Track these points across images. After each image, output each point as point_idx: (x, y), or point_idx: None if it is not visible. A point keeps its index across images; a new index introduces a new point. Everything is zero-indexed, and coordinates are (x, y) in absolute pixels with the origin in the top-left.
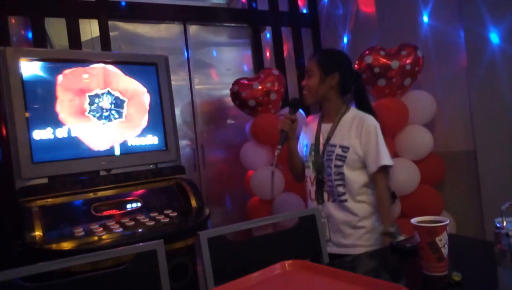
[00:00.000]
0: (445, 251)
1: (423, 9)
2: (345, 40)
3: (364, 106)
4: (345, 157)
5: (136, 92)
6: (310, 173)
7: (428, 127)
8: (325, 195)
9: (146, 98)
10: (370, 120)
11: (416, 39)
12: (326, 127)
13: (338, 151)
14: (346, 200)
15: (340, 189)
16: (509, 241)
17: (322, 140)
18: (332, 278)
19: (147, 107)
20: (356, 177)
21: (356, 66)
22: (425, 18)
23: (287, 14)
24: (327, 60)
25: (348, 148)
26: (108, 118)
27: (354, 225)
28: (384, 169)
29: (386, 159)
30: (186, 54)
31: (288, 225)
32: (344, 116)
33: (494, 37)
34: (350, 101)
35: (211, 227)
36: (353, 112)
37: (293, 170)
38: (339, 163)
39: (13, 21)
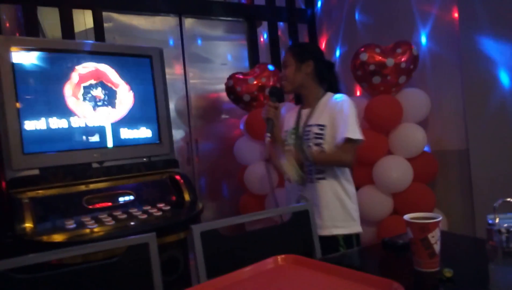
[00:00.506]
0: (437, 247)
1: (419, 7)
2: (341, 37)
3: (336, 90)
4: (323, 134)
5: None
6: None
7: (422, 125)
8: (305, 177)
9: (137, 90)
10: (343, 96)
11: (412, 38)
12: (305, 112)
13: (315, 129)
14: (324, 178)
15: (319, 167)
16: (501, 238)
17: (301, 124)
18: (324, 273)
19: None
20: None
21: (351, 63)
22: (421, 17)
23: (284, 10)
24: (300, 50)
25: (324, 125)
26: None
27: (331, 204)
28: (350, 141)
29: (352, 133)
30: (181, 47)
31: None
32: (321, 99)
33: (489, 36)
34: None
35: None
36: (328, 95)
37: None
38: (318, 141)
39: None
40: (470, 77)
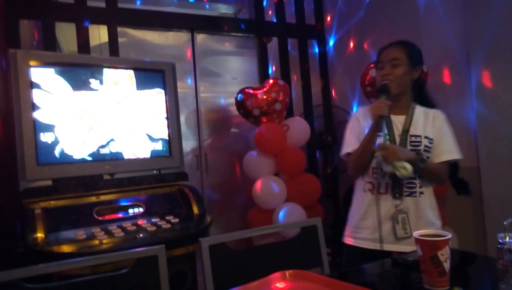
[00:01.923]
0: (447, 265)
1: (428, 23)
2: (351, 52)
3: (427, 102)
4: (431, 148)
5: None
6: (381, 164)
7: None
8: (402, 189)
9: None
10: (443, 113)
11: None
12: (398, 118)
13: (425, 142)
14: (423, 193)
15: (417, 181)
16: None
17: (396, 131)
18: (332, 289)
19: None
20: None
21: (361, 78)
22: (432, 33)
23: (294, 26)
24: (414, 52)
25: (432, 139)
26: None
27: (429, 220)
28: (447, 163)
29: (457, 153)
30: (193, 62)
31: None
32: (415, 109)
33: (500, 52)
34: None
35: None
36: (421, 107)
37: (362, 159)
38: (427, 154)
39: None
40: (482, 94)
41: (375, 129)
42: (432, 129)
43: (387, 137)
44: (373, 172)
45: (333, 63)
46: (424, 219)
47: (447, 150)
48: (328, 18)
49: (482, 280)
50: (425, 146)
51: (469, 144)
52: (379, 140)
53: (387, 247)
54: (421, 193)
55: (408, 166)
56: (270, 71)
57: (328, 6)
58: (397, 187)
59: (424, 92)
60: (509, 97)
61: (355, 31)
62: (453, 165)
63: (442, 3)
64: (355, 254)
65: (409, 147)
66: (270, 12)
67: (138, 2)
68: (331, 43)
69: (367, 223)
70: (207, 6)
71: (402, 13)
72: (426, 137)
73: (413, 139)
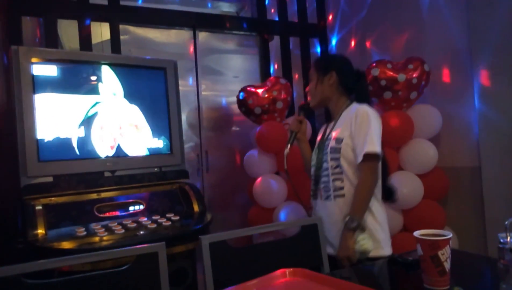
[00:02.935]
0: (447, 265)
1: (431, 23)
2: (353, 51)
3: (364, 99)
4: (339, 148)
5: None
6: (312, 171)
7: (433, 142)
8: (320, 192)
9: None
10: (363, 106)
11: (424, 53)
12: (330, 126)
13: (332, 143)
14: (343, 195)
15: (338, 183)
16: None
17: (324, 138)
18: (332, 288)
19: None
20: (355, 172)
21: None
22: (433, 33)
23: (296, 24)
24: (322, 62)
25: (341, 139)
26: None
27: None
28: (369, 158)
29: (371, 146)
30: (194, 60)
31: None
32: (344, 111)
33: (501, 51)
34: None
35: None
36: (353, 106)
37: (306, 171)
38: (335, 155)
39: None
40: (483, 94)
41: (288, 141)
42: (344, 128)
43: (319, 145)
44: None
45: None
46: (339, 223)
47: (360, 147)
48: (330, 17)
49: (482, 280)
50: (331, 147)
51: (471, 144)
52: (286, 151)
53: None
54: (336, 196)
55: (362, 242)
56: (271, 70)
57: (330, 4)
58: (314, 190)
59: (363, 95)
60: (510, 96)
61: (357, 30)
62: (384, 171)
63: (445, 3)
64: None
65: (323, 152)
66: (272, 11)
67: (140, 1)
68: (333, 42)
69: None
70: (209, 4)
71: (404, 12)
72: (334, 139)
73: (326, 143)
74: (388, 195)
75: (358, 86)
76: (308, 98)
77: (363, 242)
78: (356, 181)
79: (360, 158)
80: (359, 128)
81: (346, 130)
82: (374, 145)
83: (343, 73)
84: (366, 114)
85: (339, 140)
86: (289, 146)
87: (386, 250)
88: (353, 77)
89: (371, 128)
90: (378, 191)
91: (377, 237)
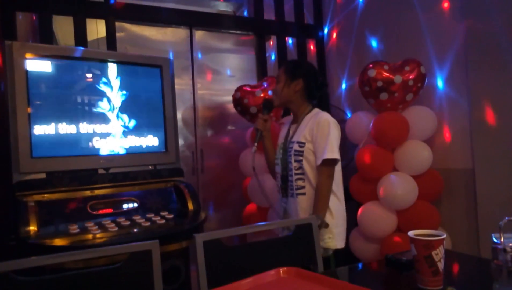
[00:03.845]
0: (441, 265)
1: (427, 25)
2: (350, 52)
3: (324, 107)
4: (302, 151)
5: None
6: (278, 169)
7: (428, 143)
8: (288, 190)
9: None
10: (325, 115)
11: (419, 55)
12: (293, 127)
13: (296, 146)
14: (304, 194)
15: (300, 183)
16: (506, 257)
17: (288, 139)
18: (326, 287)
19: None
20: (315, 173)
21: (359, 78)
22: (429, 35)
23: (293, 25)
24: (292, 68)
25: (303, 143)
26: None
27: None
28: (328, 163)
29: (330, 153)
30: (190, 58)
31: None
32: (307, 115)
33: (497, 55)
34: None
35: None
36: (315, 111)
37: (269, 168)
38: (298, 158)
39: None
40: (477, 96)
41: (255, 140)
42: (307, 133)
43: (281, 146)
44: (276, 176)
45: (331, 62)
46: (304, 217)
47: (320, 152)
48: (328, 18)
49: (475, 280)
50: (295, 150)
51: (465, 146)
52: (253, 149)
53: None
54: (300, 194)
55: (328, 240)
56: (267, 69)
57: (328, 6)
58: (283, 188)
59: (324, 103)
60: (504, 99)
61: (355, 31)
62: None
63: (442, 7)
64: None
65: (287, 154)
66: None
67: None
68: (329, 42)
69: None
70: (206, 3)
71: (401, 15)
72: (298, 142)
73: (290, 145)
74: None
75: (320, 95)
76: (273, 97)
77: (328, 240)
78: (315, 181)
79: (319, 162)
80: (320, 135)
81: (309, 135)
82: (333, 152)
83: (309, 82)
84: (327, 123)
85: (301, 144)
86: (255, 144)
87: (339, 243)
88: (317, 87)
89: (330, 136)
90: (339, 190)
91: (332, 231)
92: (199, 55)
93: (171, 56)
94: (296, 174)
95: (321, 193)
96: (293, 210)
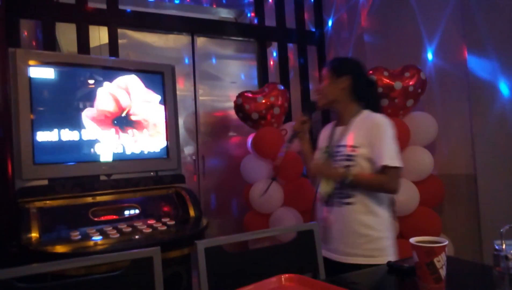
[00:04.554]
0: (443, 272)
1: (427, 32)
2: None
3: (375, 108)
4: (354, 156)
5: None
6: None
7: (429, 149)
8: (334, 199)
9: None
10: (381, 117)
11: (420, 62)
12: (339, 129)
13: (346, 151)
14: (351, 203)
15: (348, 190)
16: (508, 264)
17: (334, 142)
18: None
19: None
20: None
21: None
22: (429, 41)
23: (294, 31)
24: (338, 64)
25: (357, 147)
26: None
27: (357, 232)
28: (390, 171)
29: (389, 160)
30: (192, 65)
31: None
32: (356, 117)
33: (497, 62)
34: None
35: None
36: (365, 113)
37: (308, 174)
38: (348, 163)
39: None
40: (478, 102)
41: (288, 140)
42: (361, 137)
43: (324, 149)
44: (316, 183)
45: None
46: (350, 228)
47: (379, 157)
48: (329, 24)
49: (477, 287)
50: (347, 155)
51: (466, 152)
52: (283, 149)
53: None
54: (348, 203)
55: (330, 183)
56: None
57: (329, 12)
58: (327, 196)
59: (374, 103)
60: (505, 104)
61: (355, 37)
62: None
63: (441, 13)
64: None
65: (335, 158)
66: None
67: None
68: (330, 48)
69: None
70: (208, 10)
71: (402, 21)
72: (349, 146)
73: (339, 150)
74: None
75: (368, 94)
76: (316, 97)
77: (326, 185)
78: (363, 192)
79: (379, 166)
80: (375, 138)
81: (363, 139)
82: (393, 159)
83: (357, 78)
84: (384, 124)
85: (354, 148)
86: (286, 144)
87: (391, 257)
88: (365, 84)
89: (389, 140)
90: (388, 201)
91: (382, 246)
92: (201, 62)
93: (172, 62)
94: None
95: (375, 180)
96: (336, 220)
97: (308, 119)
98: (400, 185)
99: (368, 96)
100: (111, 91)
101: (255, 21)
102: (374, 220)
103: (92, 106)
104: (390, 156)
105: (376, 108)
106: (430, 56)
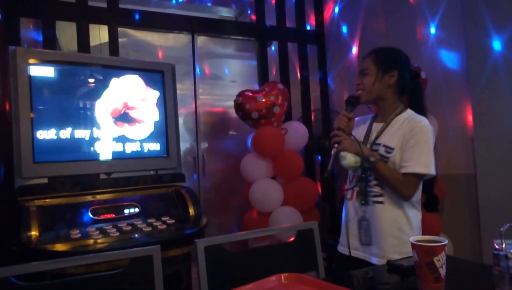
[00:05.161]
0: (442, 271)
1: (429, 32)
2: (352, 58)
3: (419, 108)
4: (388, 158)
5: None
6: (357, 172)
7: None
8: (367, 197)
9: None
10: (424, 121)
11: (421, 62)
12: (377, 126)
13: (381, 150)
14: (382, 202)
15: (377, 189)
16: (508, 263)
17: (371, 140)
18: None
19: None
20: None
21: None
22: (429, 41)
23: (294, 30)
24: (384, 58)
25: (393, 149)
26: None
27: (388, 231)
28: (415, 176)
29: (419, 167)
30: (192, 64)
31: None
32: (398, 116)
33: (499, 61)
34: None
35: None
36: (408, 113)
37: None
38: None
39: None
40: (479, 102)
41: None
42: (398, 138)
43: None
44: (349, 180)
45: (332, 68)
46: (383, 228)
47: (407, 162)
48: (329, 23)
49: (477, 287)
50: (380, 155)
51: (466, 152)
52: (334, 150)
53: (353, 253)
54: (380, 202)
55: (354, 158)
56: (269, 75)
57: (329, 11)
58: (362, 194)
59: (417, 96)
60: (505, 105)
61: (356, 36)
62: (429, 179)
63: (442, 20)
64: (342, 261)
65: None
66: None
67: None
68: (330, 47)
69: (343, 229)
70: (208, 9)
71: (402, 26)
72: (385, 146)
73: (374, 148)
74: (432, 205)
75: (412, 87)
76: (358, 93)
77: (349, 157)
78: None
79: (405, 170)
80: (411, 141)
81: (399, 140)
82: (423, 167)
83: (404, 74)
84: (425, 129)
85: (389, 149)
86: (336, 145)
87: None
88: (411, 78)
89: (426, 146)
90: (418, 201)
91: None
92: (201, 61)
93: (173, 61)
94: (376, 179)
95: (394, 174)
96: (375, 220)
97: (353, 116)
98: (414, 194)
99: (412, 89)
100: (111, 90)
101: (255, 20)
102: (406, 220)
103: (92, 105)
104: (419, 162)
105: (420, 102)
106: (430, 56)
